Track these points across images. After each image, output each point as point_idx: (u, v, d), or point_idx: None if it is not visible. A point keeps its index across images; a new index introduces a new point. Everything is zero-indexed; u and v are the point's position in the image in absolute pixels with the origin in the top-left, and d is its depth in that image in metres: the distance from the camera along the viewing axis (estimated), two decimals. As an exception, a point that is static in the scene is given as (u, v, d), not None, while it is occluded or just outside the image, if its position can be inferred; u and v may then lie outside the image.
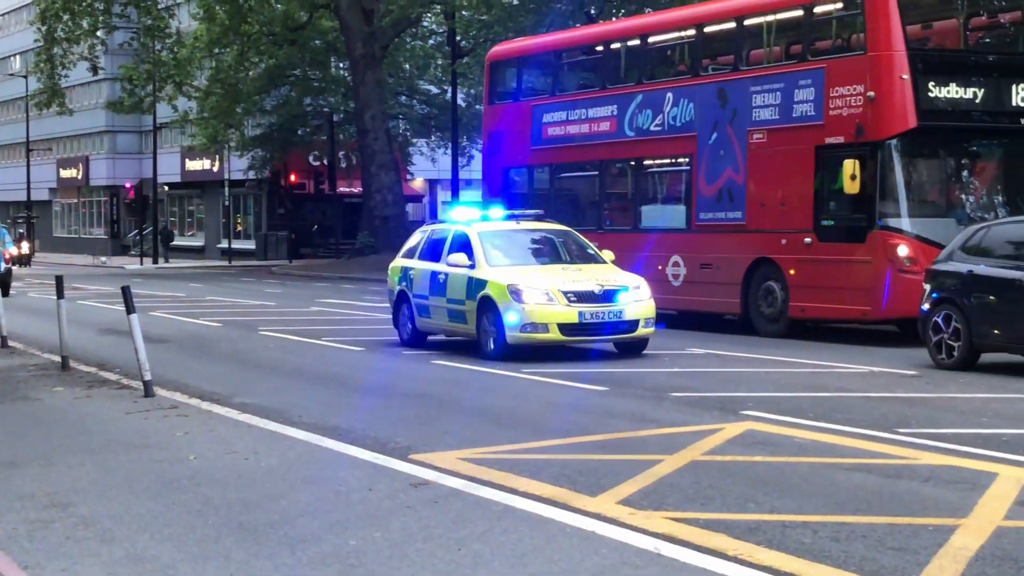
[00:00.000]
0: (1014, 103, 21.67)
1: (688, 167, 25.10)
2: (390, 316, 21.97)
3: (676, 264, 24.89)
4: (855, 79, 21.43)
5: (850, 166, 20.66)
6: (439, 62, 59.12)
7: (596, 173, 28.01)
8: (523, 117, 29.42)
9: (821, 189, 21.93)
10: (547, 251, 20.98)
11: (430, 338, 21.46)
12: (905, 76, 20.85)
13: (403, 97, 64.00)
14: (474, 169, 48.57)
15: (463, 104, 53.66)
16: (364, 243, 55.06)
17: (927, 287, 17.88)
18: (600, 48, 29.01)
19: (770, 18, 24.54)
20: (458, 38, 50.14)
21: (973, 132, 21.89)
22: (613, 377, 16.76)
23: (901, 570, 7.32)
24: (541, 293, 18.61)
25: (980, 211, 21.17)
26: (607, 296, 18.80)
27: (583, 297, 18.67)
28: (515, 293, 18.55)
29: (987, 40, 23.74)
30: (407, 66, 62.26)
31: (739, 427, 12.54)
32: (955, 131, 21.53)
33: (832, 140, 21.70)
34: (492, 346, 18.93)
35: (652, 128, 25.84)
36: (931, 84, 21.17)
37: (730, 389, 15.53)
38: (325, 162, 62.73)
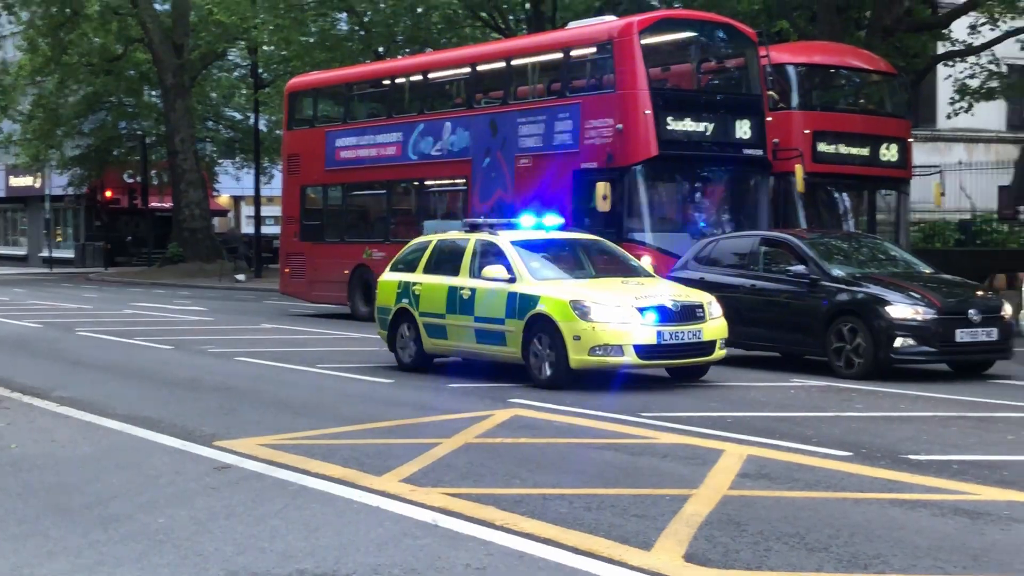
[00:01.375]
0: (737, 136, 22.43)
1: (464, 187, 25.28)
2: (203, 318, 20.62)
3: (452, 271, 25.02)
4: (606, 113, 21.90)
5: (602, 188, 21.12)
6: (243, 91, 58.35)
7: (384, 191, 28.00)
8: (318, 141, 29.27)
9: (578, 208, 22.29)
10: (589, 262, 16.60)
11: (437, 360, 17.07)
12: (648, 111, 21.42)
13: (210, 122, 63.17)
14: (275, 187, 48.14)
15: (264, 129, 53.17)
16: (174, 253, 54.31)
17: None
18: (387, 82, 29.04)
19: (534, 59, 24.99)
20: (260, 70, 49.83)
21: (704, 160, 22.50)
22: (396, 371, 16.77)
23: (643, 534, 7.50)
24: (613, 310, 14.45)
25: (710, 227, 21.82)
26: (685, 313, 14.78)
27: (661, 314, 14.56)
28: (581, 310, 14.36)
29: (716, 82, 24.48)
30: (214, 95, 61.51)
31: (507, 413, 12.69)
32: (689, 159, 22.16)
33: (587, 165, 22.12)
34: (547, 372, 14.65)
35: (433, 152, 26.02)
36: (669, 119, 21.79)
37: (500, 380, 15.66)
38: (139, 180, 61.29)
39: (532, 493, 8.78)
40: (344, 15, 42.06)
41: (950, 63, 32.39)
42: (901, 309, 15.81)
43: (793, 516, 8.04)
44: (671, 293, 15.10)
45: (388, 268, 18.09)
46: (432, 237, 17.77)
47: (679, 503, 8.33)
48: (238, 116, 62.68)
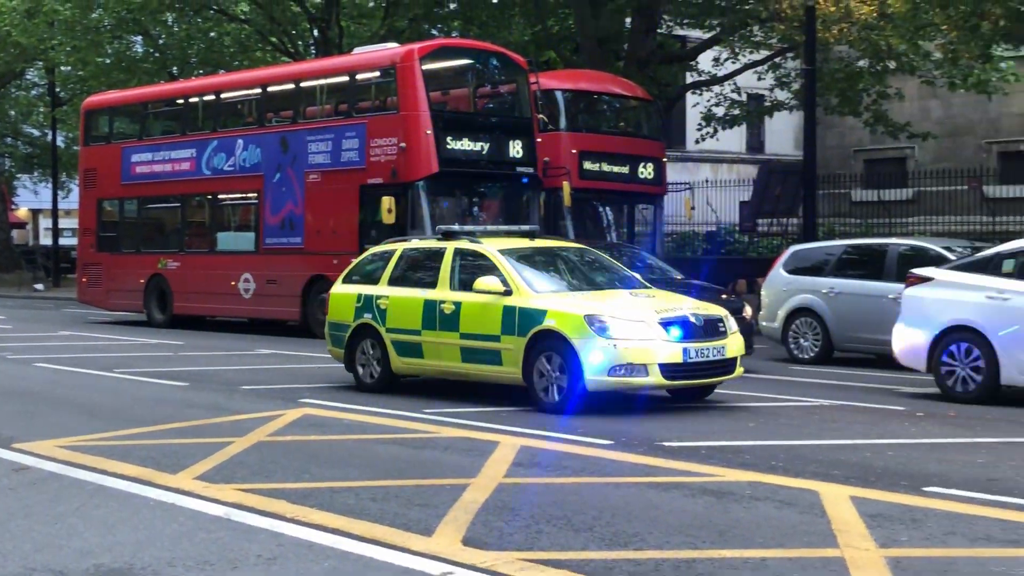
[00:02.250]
0: (511, 154, 22.72)
1: (256, 200, 24.84)
2: (2, 326, 19.08)
3: (247, 280, 24.64)
4: (391, 133, 21.88)
5: (387, 202, 21.11)
6: (41, 109, 56.25)
7: (178, 204, 27.27)
8: (115, 157, 28.35)
9: (365, 219, 22.24)
10: (584, 273, 14.27)
11: (403, 380, 14.68)
12: (429, 131, 21.53)
13: (9, 139, 60.78)
14: (73, 200, 46.48)
15: (62, 145, 51.33)
16: (-28, 263, 52.19)
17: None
18: (181, 101, 28.33)
19: (323, 81, 24.74)
20: (58, 89, 48.19)
21: (481, 176, 22.70)
22: (191, 374, 16.37)
23: (425, 521, 7.48)
24: (634, 326, 12.19)
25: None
26: (709, 328, 12.61)
27: (685, 330, 12.37)
28: (599, 326, 12.09)
29: (491, 105, 24.72)
30: (12, 112, 59.13)
31: (297, 412, 12.50)
32: (467, 175, 22.34)
33: (373, 181, 22.05)
34: (557, 396, 12.31)
35: (226, 168, 25.50)
36: (449, 138, 21.92)
37: (291, 382, 15.46)
38: (-62, 194, 58.65)
39: (321, 487, 8.67)
40: (139, 38, 40.98)
41: (697, 92, 33.38)
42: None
43: (561, 500, 8.14)
44: (690, 306, 12.94)
45: (340, 279, 15.35)
46: (395, 245, 15.11)
47: (458, 492, 8.34)
48: (36, 133, 60.42)
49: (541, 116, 23.64)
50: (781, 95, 31.25)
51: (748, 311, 17.27)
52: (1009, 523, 7.45)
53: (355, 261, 15.69)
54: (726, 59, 31.67)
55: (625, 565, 6.47)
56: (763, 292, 19.23)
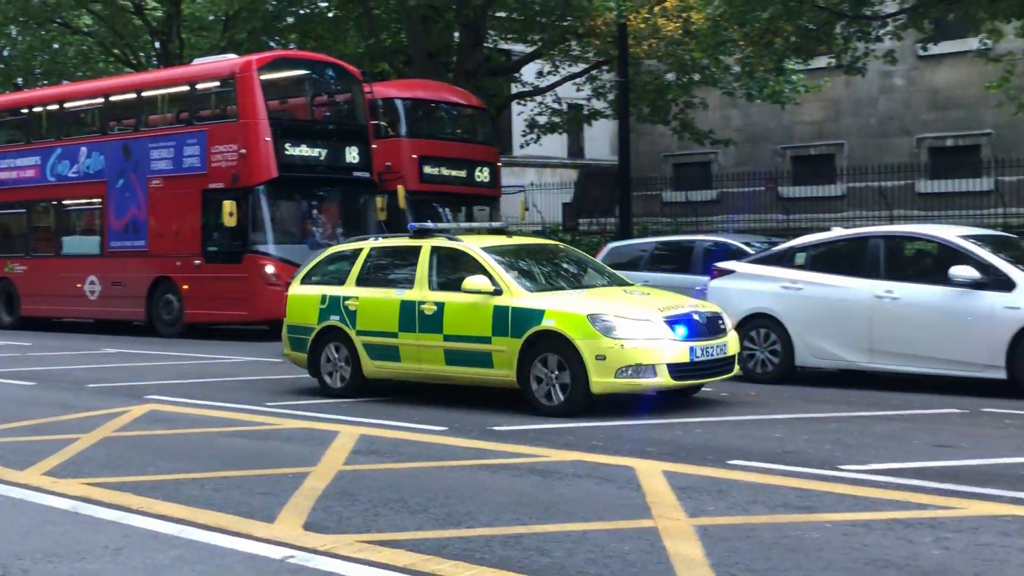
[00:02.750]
0: (347, 160, 22.59)
1: (101, 206, 24.14)
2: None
3: (92, 282, 23.94)
4: (231, 139, 21.54)
5: (228, 206, 20.77)
6: None
7: (24, 210, 26.30)
8: (-43, 165, 27.24)
9: (207, 223, 21.83)
10: (568, 271, 13.04)
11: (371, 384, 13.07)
12: (268, 138, 21.28)
13: None
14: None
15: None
16: None
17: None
18: (25, 110, 27.34)
19: (164, 91, 24.22)
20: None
21: (319, 181, 22.47)
22: (39, 374, 15.79)
23: (267, 509, 7.35)
24: (641, 325, 11.06)
25: (325, 239, 21.77)
26: (711, 326, 11.58)
27: (689, 328, 11.31)
28: (603, 325, 10.94)
29: (328, 114, 24.48)
30: None
31: (143, 408, 12.17)
32: (306, 180, 22.10)
33: (214, 186, 21.66)
34: (559, 397, 11.12)
35: (70, 175, 24.75)
36: (287, 145, 21.71)
37: (137, 379, 15.03)
38: None
39: (167, 479, 8.46)
40: (-18, 49, 39.36)
41: (522, 102, 33.63)
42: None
43: (398, 484, 8.09)
44: (691, 304, 11.86)
45: (298, 280, 13.73)
46: (360, 244, 13.48)
47: (300, 480, 8.22)
48: None
49: (382, 123, 23.62)
50: (598, 105, 31.67)
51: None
52: (804, 491, 7.68)
53: (314, 260, 13.88)
54: (548, 71, 31.97)
55: (457, 542, 6.47)
56: None
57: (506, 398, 11.88)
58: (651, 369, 10.90)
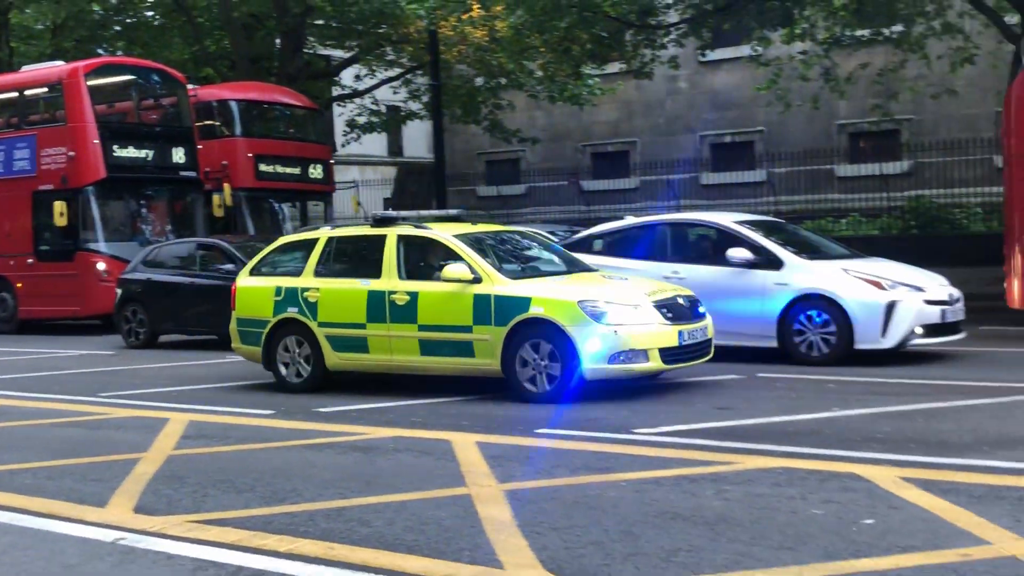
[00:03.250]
0: (174, 160, 22.01)
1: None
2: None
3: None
4: (60, 142, 20.76)
5: (59, 206, 20.04)
6: None
7: None
8: None
9: (39, 223, 20.97)
10: (544, 258, 12.05)
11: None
12: (96, 141, 20.55)
13: None
14: None
15: None
16: None
17: (119, 291, 17.78)
18: None
19: (-6, 97, 23.06)
20: None
21: (146, 181, 21.83)
22: None
23: (99, 495, 7.07)
24: (631, 310, 10.31)
25: (155, 236, 21.17)
26: (694, 310, 10.86)
27: (675, 312, 10.57)
28: (594, 312, 10.14)
29: (154, 116, 23.74)
30: None
31: (-24, 404, 11.61)
32: (134, 180, 21.45)
33: (44, 187, 20.83)
34: (547, 384, 10.23)
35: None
36: (115, 147, 21.01)
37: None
38: None
39: (1, 470, 8.06)
40: None
41: (342, 104, 33.28)
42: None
43: (226, 467, 7.92)
44: (672, 289, 11.10)
45: (246, 272, 12.47)
46: (316, 233, 12.22)
47: (131, 465, 7.96)
48: None
49: (218, 124, 23.05)
50: (414, 106, 31.60)
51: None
52: (602, 453, 7.85)
53: (262, 252, 12.63)
54: (365, 75, 31.71)
55: (282, 518, 6.37)
56: None
57: (331, 383, 11.72)
58: (644, 354, 10.19)
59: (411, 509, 6.46)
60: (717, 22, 22.06)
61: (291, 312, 11.70)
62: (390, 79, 31.28)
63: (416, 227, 11.53)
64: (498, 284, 10.60)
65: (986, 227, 23.99)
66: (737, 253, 12.54)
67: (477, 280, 10.64)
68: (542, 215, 30.98)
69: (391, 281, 11.14)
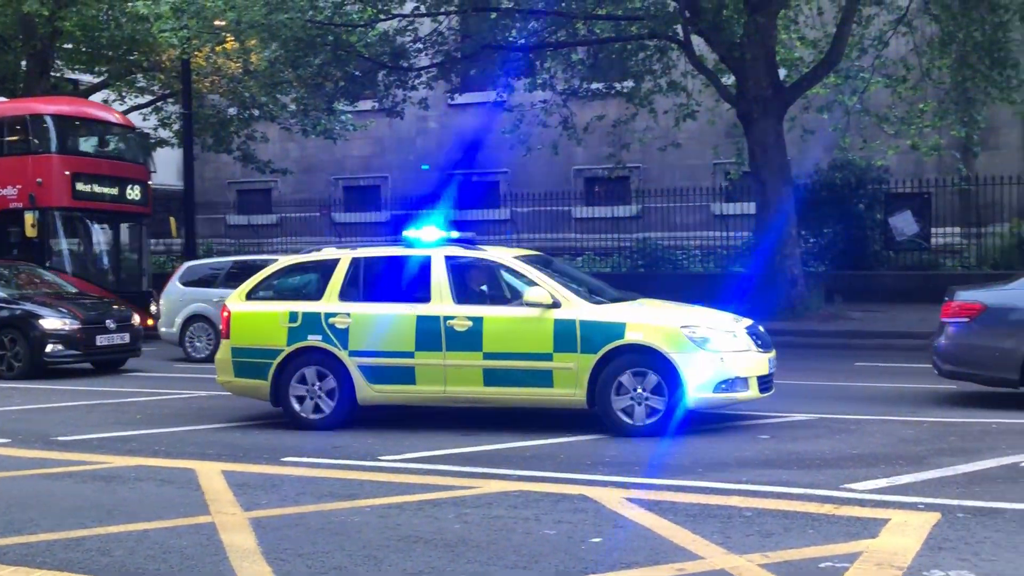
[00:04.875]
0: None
1: None
2: None
3: None
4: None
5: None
6: None
7: None
8: None
9: None
10: (595, 285, 10.87)
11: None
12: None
13: None
14: None
15: None
16: None
17: None
18: None
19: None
20: None
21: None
22: None
23: None
24: (729, 337, 9.50)
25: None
26: (766, 339, 10.01)
27: (763, 340, 9.83)
28: (698, 338, 9.32)
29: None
30: None
31: None
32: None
33: None
34: (646, 417, 9.29)
35: None
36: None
37: None
38: None
39: None
40: None
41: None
42: (51, 321, 15.64)
43: (-44, 498, 7.38)
44: (729, 314, 10.19)
45: (240, 296, 10.78)
46: (333, 254, 10.63)
47: None
48: None
49: (31, 139, 21.73)
50: (164, 134, 30.52)
51: (136, 319, 16.84)
52: (348, 480, 7.81)
53: (260, 274, 11.01)
54: (114, 101, 30.39)
55: (19, 549, 6.00)
56: (162, 302, 18.64)
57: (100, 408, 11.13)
58: (744, 382, 9.46)
59: (153, 538, 6.23)
60: (465, 68, 22.52)
61: (313, 340, 10.12)
62: (141, 106, 30.14)
63: (469, 248, 10.47)
64: (582, 309, 9.62)
65: (703, 267, 25.49)
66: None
67: (556, 305, 9.62)
68: (293, 245, 30.55)
69: (445, 306, 9.88)
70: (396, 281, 10.34)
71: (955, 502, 6.68)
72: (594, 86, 22.87)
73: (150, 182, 24.34)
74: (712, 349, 9.34)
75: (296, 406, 10.21)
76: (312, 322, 10.17)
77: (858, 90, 21.62)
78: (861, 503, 6.72)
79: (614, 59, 21.78)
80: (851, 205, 23.65)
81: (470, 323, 9.75)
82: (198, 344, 17.98)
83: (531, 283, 9.81)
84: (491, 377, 9.74)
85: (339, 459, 8.60)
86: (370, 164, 34.73)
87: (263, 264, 18.12)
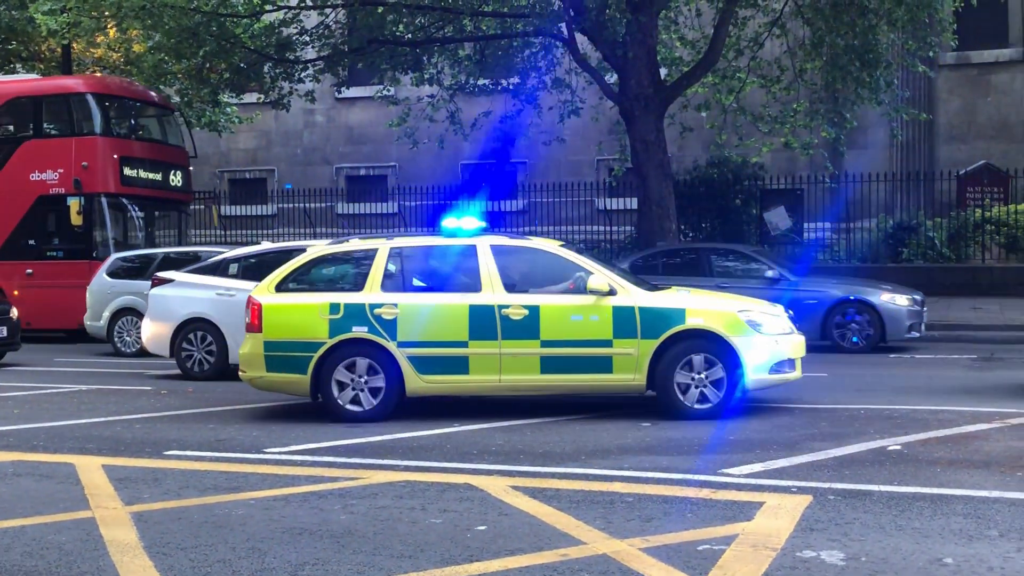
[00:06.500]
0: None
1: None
2: None
3: None
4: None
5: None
6: None
7: None
8: None
9: None
10: (627, 272, 11.33)
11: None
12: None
13: None
14: None
15: None
16: None
17: None
18: None
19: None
20: None
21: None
22: None
23: None
24: (779, 321, 9.97)
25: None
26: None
27: (791, 325, 10.26)
28: (754, 322, 9.69)
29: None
30: None
31: None
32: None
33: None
34: (712, 398, 9.56)
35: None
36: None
37: None
38: None
39: None
40: None
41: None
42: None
43: None
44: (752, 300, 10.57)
45: (270, 288, 10.20)
46: (368, 244, 10.34)
47: None
48: None
49: (76, 119, 20.56)
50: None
51: (15, 312, 16.15)
52: (232, 473, 7.64)
53: (289, 265, 10.42)
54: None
55: None
56: (88, 295, 17.77)
57: None
58: (792, 363, 9.89)
59: (30, 534, 5.99)
60: (352, 62, 22.26)
61: (358, 331, 9.78)
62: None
63: (513, 237, 10.54)
64: (638, 296, 9.76)
65: (588, 261, 25.65)
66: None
67: (612, 292, 9.70)
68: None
69: (497, 295, 9.76)
70: (440, 271, 10.20)
71: (826, 485, 6.85)
72: (481, 82, 22.86)
73: (191, 167, 23.07)
74: (767, 332, 9.72)
75: (339, 399, 9.88)
76: (356, 313, 9.84)
77: (734, 90, 22.04)
78: (738, 487, 6.85)
79: (500, 56, 21.80)
80: (728, 200, 24.13)
81: (526, 311, 9.69)
82: (127, 338, 17.19)
83: (584, 270, 9.87)
84: (549, 365, 9.71)
85: (223, 452, 8.42)
86: (257, 157, 34.10)
87: (195, 257, 17.12)
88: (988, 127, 27.10)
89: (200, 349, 13.60)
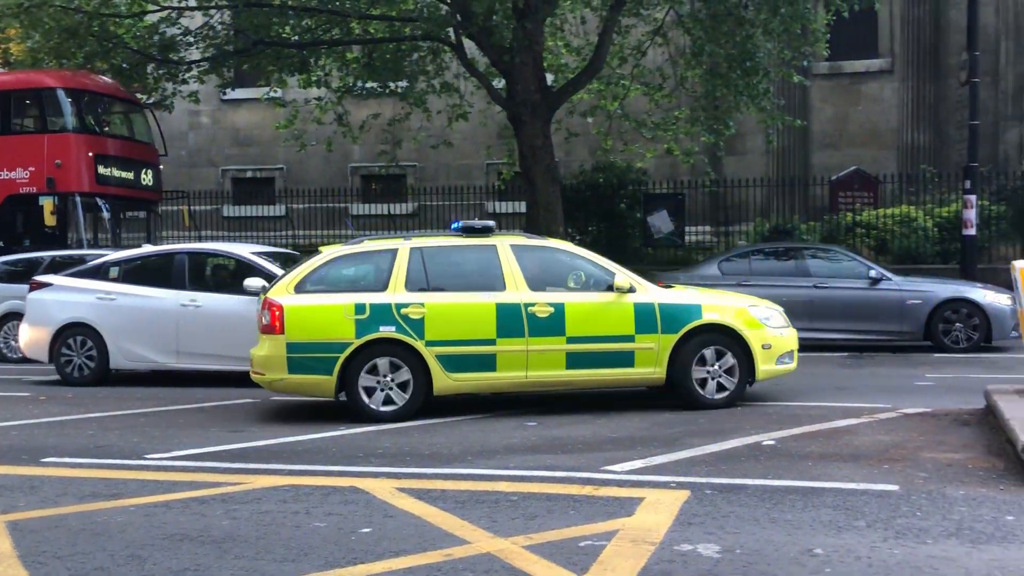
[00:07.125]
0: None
1: None
2: None
3: None
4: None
5: None
6: None
7: None
8: None
9: None
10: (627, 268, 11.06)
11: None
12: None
13: None
14: None
15: None
16: None
17: None
18: None
19: None
20: None
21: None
22: None
23: None
24: (780, 315, 10.53)
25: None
26: None
27: (787, 320, 10.73)
28: (762, 317, 10.25)
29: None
30: None
31: None
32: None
33: None
34: (729, 387, 10.08)
35: None
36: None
37: None
38: None
39: None
40: None
41: None
42: None
43: None
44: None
45: (288, 289, 9.96)
46: (387, 244, 10.29)
47: None
48: None
49: (47, 116, 19.38)
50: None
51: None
52: (111, 480, 7.43)
53: (305, 266, 10.19)
54: None
55: None
56: None
57: None
58: (791, 355, 10.46)
59: None
60: (238, 63, 21.88)
61: (385, 331, 9.74)
62: None
63: (529, 236, 10.63)
64: (654, 293, 10.16)
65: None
66: (253, 282, 12.43)
67: (632, 290, 10.08)
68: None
69: (522, 293, 9.95)
70: (463, 270, 10.26)
71: (703, 480, 7.00)
72: (369, 85, 22.70)
73: (161, 165, 22.11)
74: (773, 326, 10.33)
75: (366, 400, 9.83)
76: (383, 313, 9.80)
77: (619, 96, 22.34)
78: (619, 483, 6.95)
79: (388, 59, 21.66)
80: (613, 204, 24.44)
81: (551, 309, 9.92)
82: (13, 343, 16.41)
83: (603, 268, 10.27)
84: (574, 360, 9.96)
85: (103, 458, 8.19)
86: (140, 158, 33.25)
87: (80, 259, 16.48)
88: (859, 134, 27.97)
89: (80, 354, 13.20)
